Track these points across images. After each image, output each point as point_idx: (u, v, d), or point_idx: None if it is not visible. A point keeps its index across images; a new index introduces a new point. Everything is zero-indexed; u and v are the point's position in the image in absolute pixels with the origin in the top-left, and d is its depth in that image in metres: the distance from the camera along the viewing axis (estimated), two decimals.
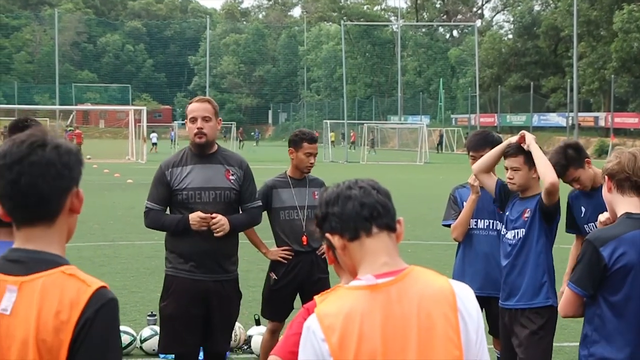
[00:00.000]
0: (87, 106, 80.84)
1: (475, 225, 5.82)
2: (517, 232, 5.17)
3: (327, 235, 2.41)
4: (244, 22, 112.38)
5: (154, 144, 57.76)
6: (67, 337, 2.09)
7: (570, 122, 57.88)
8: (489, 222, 5.81)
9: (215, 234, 5.29)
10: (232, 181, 5.44)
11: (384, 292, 2.30)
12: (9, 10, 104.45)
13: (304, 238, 6.29)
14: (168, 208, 5.51)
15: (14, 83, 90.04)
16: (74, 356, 2.09)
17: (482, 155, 5.61)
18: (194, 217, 5.27)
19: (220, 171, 5.42)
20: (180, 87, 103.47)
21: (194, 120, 5.37)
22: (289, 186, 6.38)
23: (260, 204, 5.76)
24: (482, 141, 5.77)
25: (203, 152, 5.42)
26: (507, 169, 5.34)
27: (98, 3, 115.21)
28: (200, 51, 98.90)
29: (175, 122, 69.58)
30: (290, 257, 6.30)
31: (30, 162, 2.15)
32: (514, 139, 5.18)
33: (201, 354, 5.78)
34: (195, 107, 5.41)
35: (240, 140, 69.16)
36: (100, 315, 2.11)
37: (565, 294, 3.88)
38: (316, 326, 2.30)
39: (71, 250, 13.10)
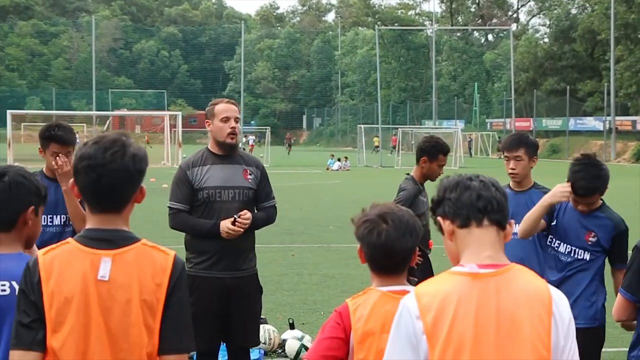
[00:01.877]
0: (124, 112, 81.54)
1: None
2: (576, 251, 5.08)
3: (439, 218, 2.52)
4: (279, 28, 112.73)
5: (251, 143, 62.26)
6: (162, 295, 2.64)
7: (607, 126, 57.24)
8: None
9: (239, 227, 5.35)
10: (250, 180, 5.54)
11: (484, 282, 2.39)
12: (47, 18, 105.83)
13: (430, 242, 6.41)
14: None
15: (52, 89, 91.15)
16: (168, 309, 2.64)
17: (516, 156, 5.60)
18: (224, 227, 5.35)
19: (239, 171, 5.53)
20: (215, 92, 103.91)
21: (226, 119, 5.46)
22: (420, 192, 6.41)
23: (275, 203, 5.77)
24: (515, 141, 5.74)
25: (230, 152, 5.52)
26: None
27: (135, 10, 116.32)
28: (235, 56, 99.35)
29: None
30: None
31: (111, 169, 2.62)
32: (549, 199, 5.00)
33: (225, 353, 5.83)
34: (227, 108, 5.51)
35: (289, 145, 69.79)
36: (181, 275, 2.71)
37: (617, 300, 3.94)
38: (412, 304, 2.39)
39: None
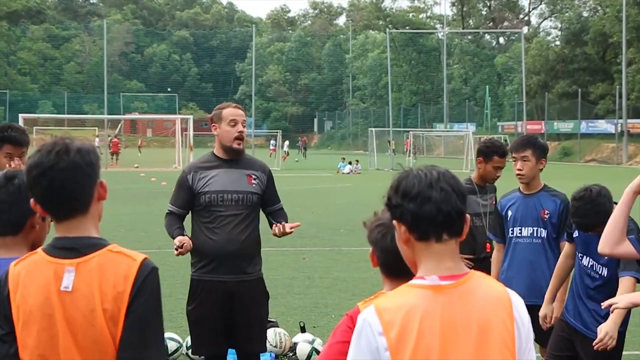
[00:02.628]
0: (135, 115, 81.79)
1: (519, 233, 5.78)
2: (603, 269, 5.03)
3: (395, 222, 2.42)
4: (290, 31, 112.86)
5: (286, 152, 62.63)
6: (124, 305, 2.51)
7: (619, 129, 57.04)
8: (533, 230, 5.76)
9: (289, 233, 5.54)
10: (254, 185, 5.53)
11: (446, 294, 2.34)
12: (59, 22, 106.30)
13: (488, 245, 6.40)
14: (190, 212, 5.63)
15: (63, 93, 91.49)
16: (128, 317, 2.51)
17: (523, 156, 5.61)
18: (176, 241, 5.42)
19: (243, 175, 5.52)
20: (226, 96, 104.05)
21: (234, 123, 5.46)
22: (475, 193, 6.41)
23: (281, 206, 5.79)
24: (523, 142, 5.76)
25: (237, 156, 5.52)
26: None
27: (146, 14, 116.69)
28: (246, 60, 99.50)
29: None
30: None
31: (60, 169, 2.52)
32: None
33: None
34: (234, 112, 5.51)
35: (304, 149, 70.21)
36: (147, 282, 2.54)
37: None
38: (374, 319, 2.32)
39: None
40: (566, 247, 5.41)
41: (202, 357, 6.12)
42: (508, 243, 5.86)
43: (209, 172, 5.48)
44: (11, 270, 2.60)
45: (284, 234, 5.54)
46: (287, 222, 5.64)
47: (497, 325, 2.34)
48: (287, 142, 66.85)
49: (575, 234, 5.17)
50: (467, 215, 2.42)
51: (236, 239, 5.42)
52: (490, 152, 6.28)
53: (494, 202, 6.37)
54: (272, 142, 69.86)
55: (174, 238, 5.47)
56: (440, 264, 2.36)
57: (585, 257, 5.10)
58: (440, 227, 2.35)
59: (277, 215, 5.68)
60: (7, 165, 4.98)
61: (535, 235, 5.74)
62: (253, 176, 5.54)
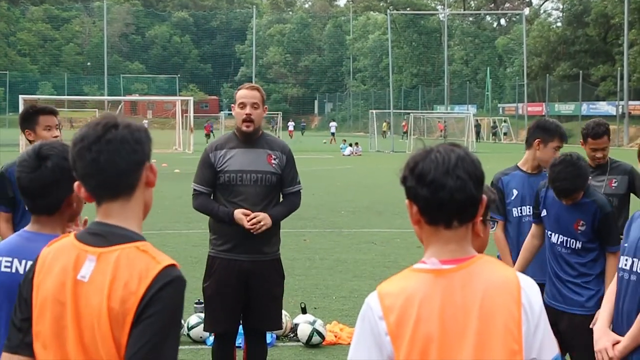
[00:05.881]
0: (135, 97, 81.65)
1: (529, 212, 5.73)
2: (576, 243, 5.04)
3: (407, 201, 2.36)
4: (290, 12, 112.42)
5: (333, 133, 64.02)
6: (132, 308, 2.23)
7: (620, 110, 56.95)
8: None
9: (254, 232, 5.37)
10: (273, 165, 5.53)
11: (447, 278, 2.30)
12: (59, 3, 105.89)
13: None
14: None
15: (63, 74, 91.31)
16: (139, 325, 2.22)
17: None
18: (238, 216, 5.36)
19: (263, 155, 5.52)
20: (226, 77, 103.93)
21: (242, 106, 5.46)
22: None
23: (300, 188, 5.76)
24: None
25: (247, 137, 5.51)
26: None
27: None
28: (246, 42, 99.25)
29: (222, 112, 70.11)
30: None
31: (107, 140, 2.31)
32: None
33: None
34: (244, 94, 5.50)
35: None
36: (165, 291, 2.24)
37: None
38: (375, 303, 2.33)
39: None
40: (533, 227, 5.42)
41: (209, 335, 6.12)
42: (514, 222, 5.82)
43: (229, 151, 5.49)
44: (42, 252, 2.44)
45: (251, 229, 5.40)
46: (289, 209, 5.63)
47: (501, 311, 2.27)
48: (292, 123, 67.44)
49: (544, 212, 5.18)
50: (484, 198, 2.35)
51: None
52: (583, 135, 6.13)
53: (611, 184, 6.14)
54: (290, 124, 70.71)
55: (219, 217, 5.43)
56: (444, 247, 2.33)
57: (554, 234, 5.10)
58: (452, 215, 2.30)
59: (283, 200, 5.66)
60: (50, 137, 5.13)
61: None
62: (273, 156, 5.54)
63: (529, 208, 5.69)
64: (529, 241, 5.43)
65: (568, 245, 5.03)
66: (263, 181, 5.48)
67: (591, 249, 4.98)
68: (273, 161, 5.53)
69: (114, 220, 2.36)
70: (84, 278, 2.30)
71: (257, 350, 5.71)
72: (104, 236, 2.33)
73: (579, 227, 4.98)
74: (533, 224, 5.42)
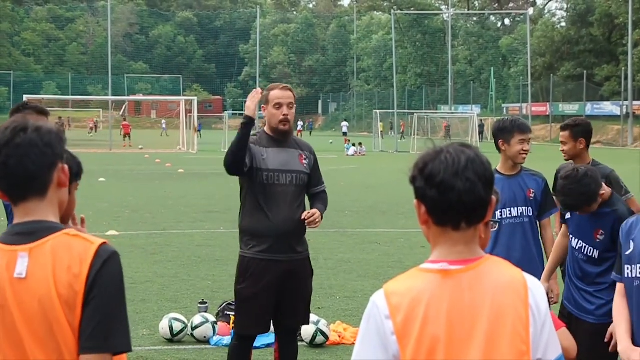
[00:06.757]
0: (139, 97, 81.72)
1: (509, 214, 5.69)
2: (594, 251, 5.00)
3: (415, 201, 2.35)
4: (294, 12, 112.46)
5: (345, 133, 64.81)
6: (80, 289, 2.35)
7: (624, 110, 56.90)
8: (523, 209, 5.69)
9: (311, 227, 5.56)
10: (305, 165, 5.61)
11: (455, 279, 2.28)
12: (64, 2, 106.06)
13: None
14: (246, 186, 5.53)
15: (67, 74, 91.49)
16: (89, 305, 2.34)
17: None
18: (248, 103, 5.47)
19: (295, 155, 5.59)
20: (230, 77, 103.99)
21: (279, 106, 5.48)
22: None
23: (325, 187, 5.82)
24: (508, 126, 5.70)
25: (284, 137, 5.55)
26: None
27: None
28: (250, 41, 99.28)
29: (225, 112, 70.17)
30: None
31: (16, 145, 2.40)
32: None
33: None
34: (280, 94, 5.52)
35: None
36: (107, 268, 2.37)
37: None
38: (382, 303, 2.31)
39: (123, 239, 13.30)
40: (563, 227, 5.45)
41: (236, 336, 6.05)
42: (505, 225, 5.78)
43: (262, 149, 5.50)
44: None
45: (309, 223, 5.56)
46: (325, 206, 5.72)
47: (509, 312, 2.26)
48: (300, 123, 67.80)
49: (568, 215, 5.17)
50: (493, 199, 2.34)
51: (291, 219, 5.48)
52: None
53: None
54: (299, 123, 70.91)
55: (241, 134, 5.33)
56: (452, 248, 2.32)
57: (574, 238, 5.09)
58: (460, 217, 2.28)
59: (317, 198, 5.74)
60: None
61: (524, 214, 5.71)
62: (304, 156, 5.62)
63: (509, 210, 5.68)
64: (560, 240, 5.45)
65: (585, 252, 5.02)
66: (297, 180, 5.54)
67: (607, 258, 4.90)
68: (304, 161, 5.61)
69: (33, 217, 2.44)
70: (21, 275, 2.37)
71: (290, 349, 5.76)
72: (29, 233, 2.41)
73: (598, 237, 4.94)
74: (562, 224, 5.43)
